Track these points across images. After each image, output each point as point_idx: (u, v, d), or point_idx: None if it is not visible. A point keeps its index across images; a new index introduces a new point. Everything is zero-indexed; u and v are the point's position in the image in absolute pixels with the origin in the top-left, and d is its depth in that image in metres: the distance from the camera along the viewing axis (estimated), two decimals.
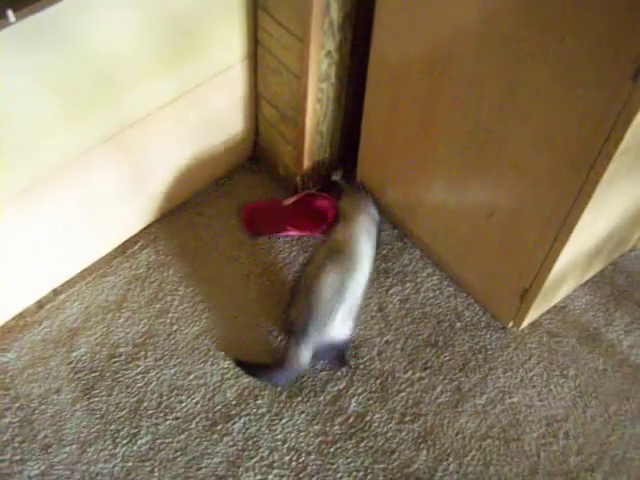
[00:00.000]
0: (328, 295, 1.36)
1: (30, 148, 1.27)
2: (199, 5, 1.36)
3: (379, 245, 1.57)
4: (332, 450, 1.37)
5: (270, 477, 1.33)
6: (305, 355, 1.37)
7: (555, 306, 1.57)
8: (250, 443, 1.37)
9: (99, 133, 1.38)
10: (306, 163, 1.65)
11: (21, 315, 1.51)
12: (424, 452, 1.38)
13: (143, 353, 1.47)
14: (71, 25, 1.18)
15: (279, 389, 1.43)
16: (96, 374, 1.44)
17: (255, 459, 1.35)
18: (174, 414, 1.40)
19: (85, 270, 1.59)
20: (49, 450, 1.35)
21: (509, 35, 1.10)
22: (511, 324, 1.52)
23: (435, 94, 1.30)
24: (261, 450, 1.36)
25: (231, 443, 1.37)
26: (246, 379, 1.44)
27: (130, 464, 1.34)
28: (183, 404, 1.41)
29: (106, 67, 1.29)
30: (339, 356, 1.46)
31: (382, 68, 1.40)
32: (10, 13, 1.09)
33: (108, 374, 1.44)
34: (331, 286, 1.37)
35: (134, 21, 1.28)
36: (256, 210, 1.69)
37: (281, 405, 1.42)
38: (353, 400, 1.43)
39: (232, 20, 1.46)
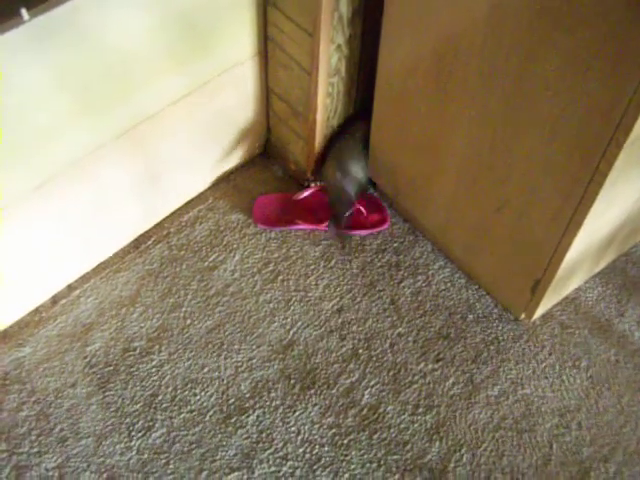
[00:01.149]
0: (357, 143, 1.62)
1: (43, 145, 1.29)
2: (209, 1, 1.37)
3: None
4: (345, 442, 1.38)
5: (284, 469, 1.35)
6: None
7: (567, 297, 1.58)
8: (264, 435, 1.38)
9: (111, 129, 1.39)
10: (317, 158, 1.66)
11: (36, 310, 1.53)
12: (437, 443, 1.38)
13: (157, 347, 1.49)
14: (83, 23, 1.19)
15: (292, 382, 1.44)
16: (111, 368, 1.45)
17: (269, 451, 1.36)
18: (188, 407, 1.41)
19: (99, 266, 1.60)
20: (65, 443, 1.36)
21: (518, 26, 1.10)
22: (523, 316, 1.53)
23: (444, 87, 1.31)
24: (275, 442, 1.38)
25: (245, 435, 1.38)
26: (260, 372, 1.45)
27: (145, 456, 1.35)
28: (197, 397, 1.42)
29: (118, 64, 1.30)
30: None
31: (391, 62, 1.40)
32: (24, 11, 1.11)
33: (123, 368, 1.46)
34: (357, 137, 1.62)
35: (145, 18, 1.29)
36: (267, 204, 1.70)
37: (294, 398, 1.43)
38: (366, 392, 1.44)
39: (242, 16, 1.46)
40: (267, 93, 1.67)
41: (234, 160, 1.76)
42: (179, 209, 1.70)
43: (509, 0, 1.09)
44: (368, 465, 1.35)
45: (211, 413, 1.41)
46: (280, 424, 1.40)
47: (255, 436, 1.38)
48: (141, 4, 1.26)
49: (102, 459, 1.34)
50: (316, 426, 1.40)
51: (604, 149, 1.08)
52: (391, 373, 1.47)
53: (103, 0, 1.20)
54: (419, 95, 1.38)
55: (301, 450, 1.37)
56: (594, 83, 1.04)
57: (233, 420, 1.40)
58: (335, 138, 1.66)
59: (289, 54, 1.51)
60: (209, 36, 1.43)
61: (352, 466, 1.35)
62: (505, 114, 1.22)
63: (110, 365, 1.46)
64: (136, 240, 1.65)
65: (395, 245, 1.66)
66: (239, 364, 1.47)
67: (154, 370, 1.45)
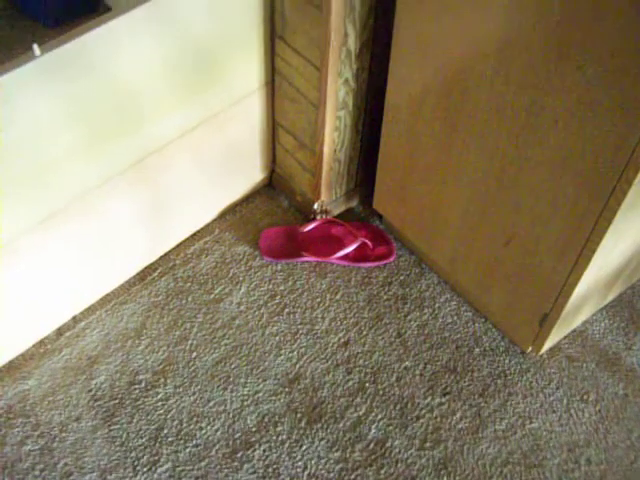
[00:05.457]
0: None
1: (50, 177, 1.29)
2: (217, 35, 1.38)
3: None
4: (352, 477, 1.37)
5: None
6: None
7: (574, 330, 1.57)
8: (270, 470, 1.37)
9: (119, 162, 1.39)
10: (323, 191, 1.66)
11: (41, 342, 1.52)
12: (445, 478, 1.37)
13: (163, 380, 1.48)
14: (93, 57, 1.20)
15: (298, 415, 1.43)
16: (116, 402, 1.44)
17: None
18: (194, 441, 1.40)
19: (105, 297, 1.60)
20: (70, 478, 1.35)
21: (528, 61, 1.11)
22: (530, 349, 1.52)
23: (453, 121, 1.31)
24: (281, 477, 1.36)
25: (251, 470, 1.37)
26: (266, 406, 1.44)
27: None
28: (203, 431, 1.41)
29: (127, 97, 1.31)
30: None
31: (399, 96, 1.41)
32: (36, 47, 1.11)
33: (128, 401, 1.44)
34: None
35: (154, 52, 1.30)
36: (273, 236, 1.70)
37: (301, 432, 1.42)
38: (373, 426, 1.43)
39: (250, 49, 1.48)
40: (274, 126, 1.68)
41: (240, 192, 1.77)
42: (185, 241, 1.70)
43: (519, 36, 1.10)
44: None
45: (217, 447, 1.39)
46: (287, 459, 1.38)
47: (261, 471, 1.37)
48: (150, 38, 1.27)
49: None
50: (323, 461, 1.38)
51: (614, 185, 1.08)
52: (398, 407, 1.46)
53: (113, 35, 1.21)
54: (427, 129, 1.39)
55: None
56: (603, 119, 1.05)
57: (239, 455, 1.38)
58: None
59: (296, 87, 1.52)
60: (217, 69, 1.44)
61: None
62: (514, 149, 1.22)
63: (115, 398, 1.45)
64: (142, 272, 1.64)
65: (401, 278, 1.65)
66: (245, 398, 1.46)
67: (160, 404, 1.44)
